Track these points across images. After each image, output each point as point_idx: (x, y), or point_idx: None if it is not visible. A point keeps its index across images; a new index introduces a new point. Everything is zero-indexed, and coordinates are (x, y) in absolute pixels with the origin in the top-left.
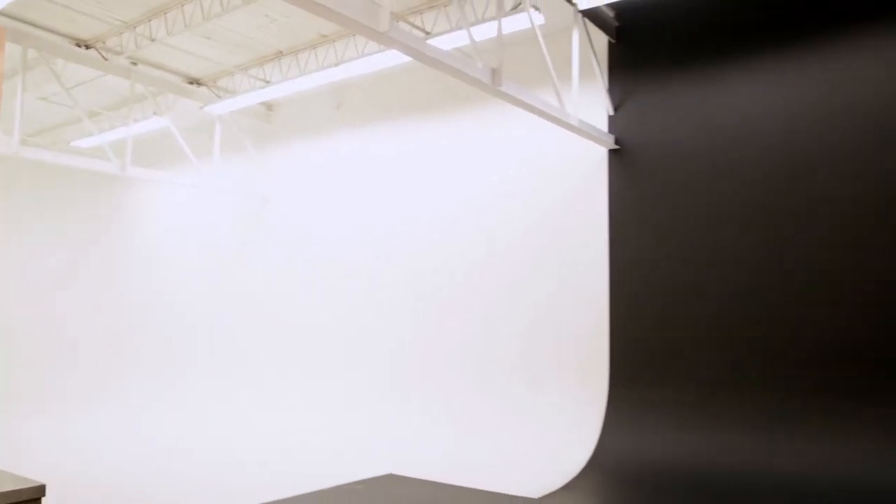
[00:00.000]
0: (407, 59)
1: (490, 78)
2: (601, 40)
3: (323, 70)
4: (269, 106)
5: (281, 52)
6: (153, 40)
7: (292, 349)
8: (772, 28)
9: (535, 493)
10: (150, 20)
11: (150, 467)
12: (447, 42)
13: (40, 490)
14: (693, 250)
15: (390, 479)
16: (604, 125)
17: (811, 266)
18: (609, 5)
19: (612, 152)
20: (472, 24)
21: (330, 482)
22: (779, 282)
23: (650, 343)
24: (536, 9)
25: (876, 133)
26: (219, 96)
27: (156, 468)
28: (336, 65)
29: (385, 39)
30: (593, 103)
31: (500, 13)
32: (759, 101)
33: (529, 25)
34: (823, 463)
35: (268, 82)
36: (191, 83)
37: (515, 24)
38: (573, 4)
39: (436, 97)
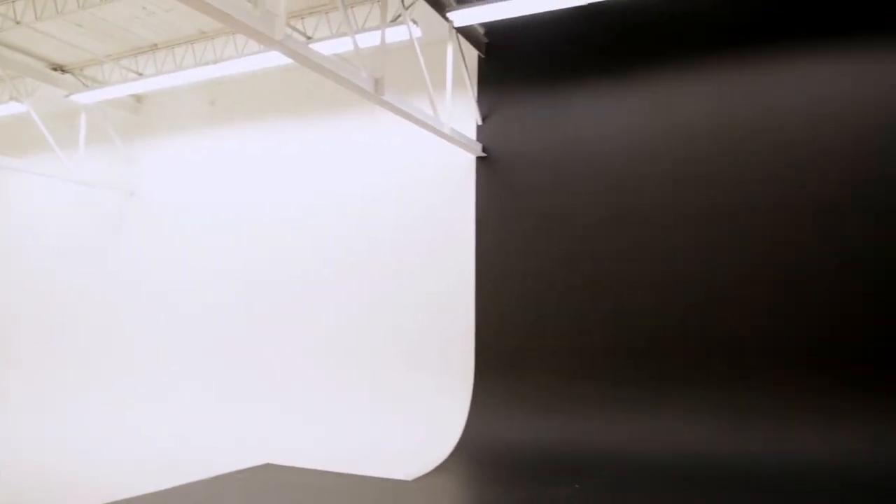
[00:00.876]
0: (288, 60)
1: (373, 87)
2: (473, 55)
3: (202, 67)
4: (139, 98)
5: (156, 45)
6: (18, 23)
7: (165, 344)
8: (613, 57)
9: (409, 476)
10: (13, 1)
11: (27, 467)
12: (330, 47)
13: None
14: (551, 251)
15: (268, 468)
16: (473, 134)
17: (653, 265)
18: (480, 23)
19: (479, 159)
20: (356, 33)
21: (208, 474)
22: (627, 279)
23: (513, 337)
24: (415, 22)
25: (689, 148)
26: (86, 85)
27: (32, 466)
28: (215, 62)
29: (279, 47)
30: (464, 113)
31: (384, 24)
32: (604, 119)
33: (408, 37)
34: (655, 438)
35: (140, 74)
36: (55, 69)
37: (396, 35)
38: (448, 21)
39: (313, 98)
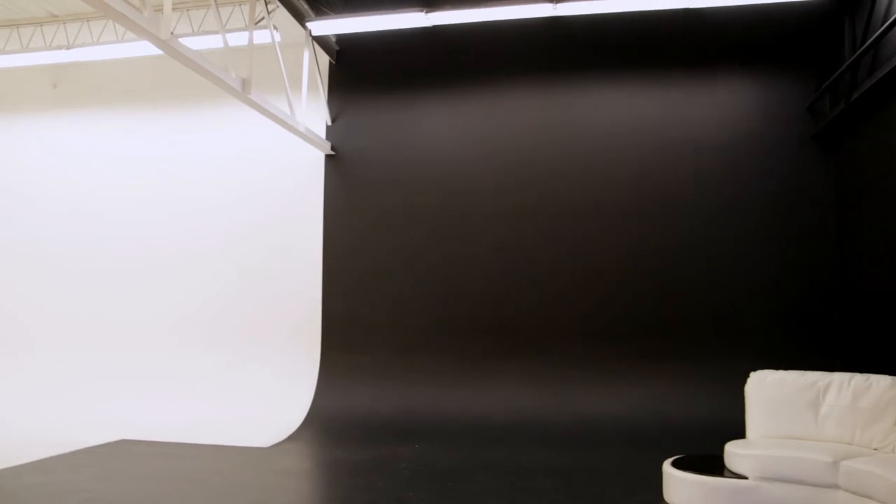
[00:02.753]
0: (145, 51)
1: (241, 86)
2: (325, 60)
3: (53, 51)
4: None
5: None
6: None
7: (19, 323)
8: (452, 73)
9: (265, 444)
10: None
11: None
12: (199, 43)
13: None
14: (390, 241)
15: (123, 443)
16: (323, 133)
17: (480, 255)
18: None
19: (328, 157)
20: (220, 32)
21: (64, 451)
22: (457, 267)
23: (356, 318)
24: (276, 28)
25: (512, 155)
26: None
27: None
28: (68, 47)
29: (163, 46)
30: (317, 113)
31: (252, 26)
32: (441, 127)
33: (270, 40)
34: (481, 404)
35: None
36: None
37: (260, 37)
38: (307, 29)
39: (166, 87)
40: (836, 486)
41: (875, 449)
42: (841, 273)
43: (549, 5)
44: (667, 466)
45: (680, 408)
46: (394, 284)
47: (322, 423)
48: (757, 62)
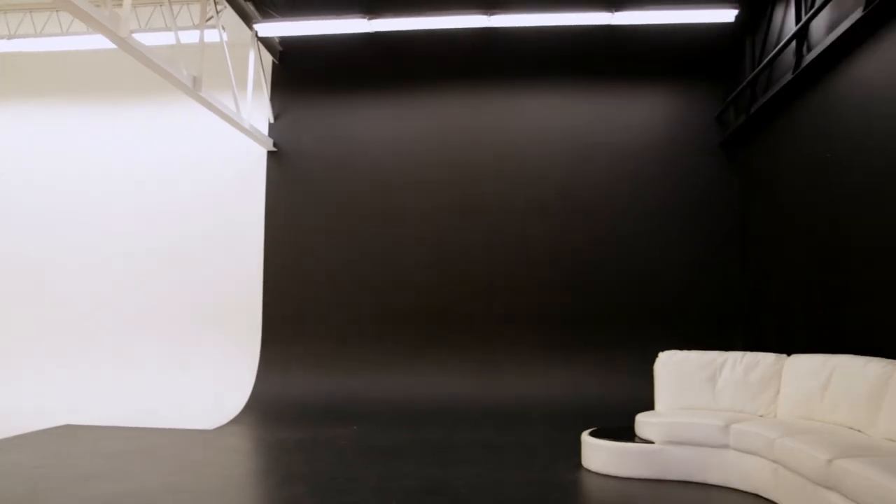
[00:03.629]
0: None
1: (192, 83)
2: (269, 59)
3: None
4: None
5: None
6: None
7: None
8: (389, 77)
9: (208, 427)
10: None
11: None
12: (150, 39)
13: None
14: (329, 234)
15: (68, 427)
16: (266, 129)
17: (415, 248)
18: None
19: (270, 153)
20: (168, 29)
21: (4, 436)
22: (393, 259)
23: (295, 308)
24: (223, 28)
25: (444, 155)
26: None
27: None
28: (9, 37)
29: (122, 43)
30: (260, 111)
31: (203, 25)
32: (378, 127)
33: (217, 39)
34: (416, 389)
35: None
36: None
37: (208, 36)
38: (253, 30)
39: (111, 79)
40: (726, 446)
41: (761, 416)
42: (742, 266)
43: (484, 17)
44: (585, 436)
45: (599, 389)
46: (333, 275)
47: (263, 407)
48: (673, 76)
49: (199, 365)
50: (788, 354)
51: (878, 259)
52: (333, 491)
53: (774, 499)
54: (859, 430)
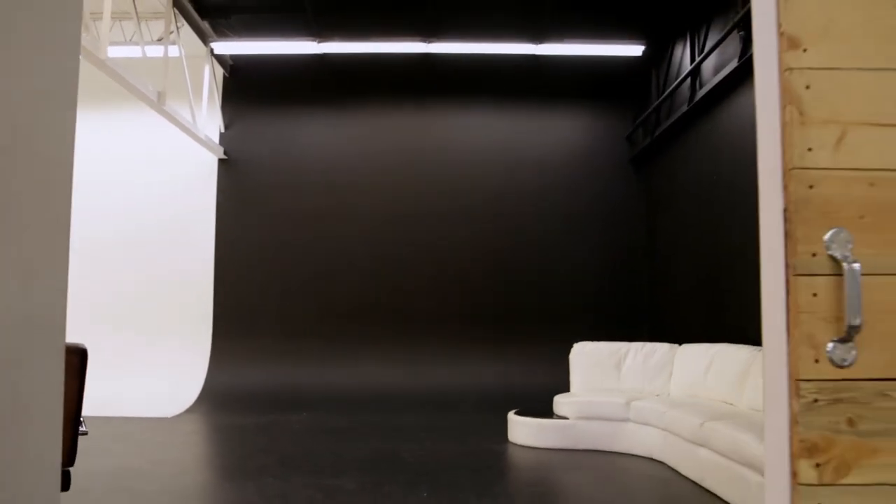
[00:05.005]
0: None
1: (157, 97)
2: (220, 72)
3: None
4: None
5: None
6: None
7: None
8: (336, 93)
9: (166, 416)
10: None
11: None
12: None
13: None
14: (277, 237)
15: None
16: (217, 138)
17: (357, 250)
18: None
19: (221, 161)
20: (128, 44)
21: None
22: (336, 260)
23: (245, 306)
24: (179, 45)
25: (386, 166)
26: None
27: None
28: None
29: (99, 64)
30: (212, 121)
31: (166, 41)
32: (326, 139)
33: (178, 54)
34: (357, 380)
35: None
36: None
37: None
38: (209, 47)
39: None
40: (628, 420)
41: (657, 395)
42: (649, 270)
43: (424, 44)
44: (510, 415)
45: (523, 376)
46: (280, 276)
47: (216, 397)
48: (590, 99)
49: (157, 361)
50: (680, 344)
51: (747, 264)
52: (300, 459)
53: (663, 460)
54: (731, 403)
